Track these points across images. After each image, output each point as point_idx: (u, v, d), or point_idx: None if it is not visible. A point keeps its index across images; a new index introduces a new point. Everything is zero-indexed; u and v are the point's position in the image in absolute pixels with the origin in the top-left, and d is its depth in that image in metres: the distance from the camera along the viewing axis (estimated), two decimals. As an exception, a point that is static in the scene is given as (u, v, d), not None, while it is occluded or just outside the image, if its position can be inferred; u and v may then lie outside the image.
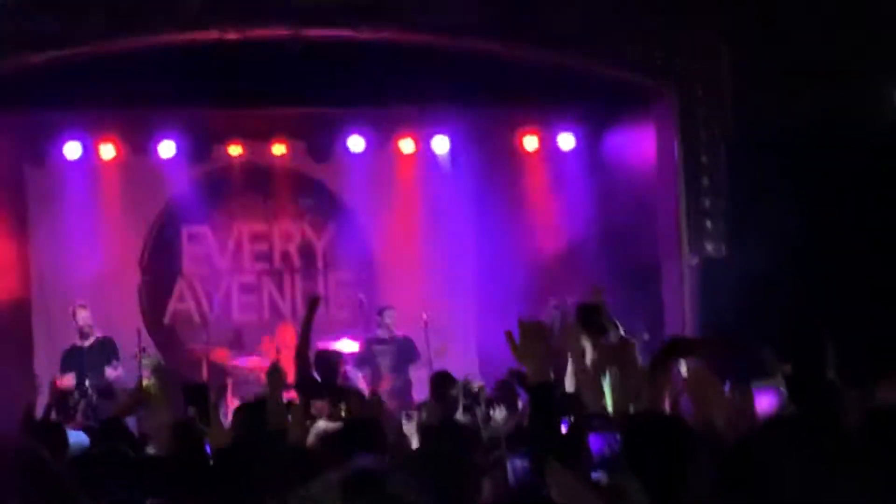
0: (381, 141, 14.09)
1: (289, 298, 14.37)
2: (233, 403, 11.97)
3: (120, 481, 5.08)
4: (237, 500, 4.82)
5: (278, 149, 14.01)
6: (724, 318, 11.07)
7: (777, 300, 10.99)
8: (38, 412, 8.49)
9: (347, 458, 3.96)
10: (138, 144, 13.82)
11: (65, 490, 3.19)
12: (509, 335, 4.41)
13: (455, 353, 13.09)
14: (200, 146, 13.92)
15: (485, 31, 11.77)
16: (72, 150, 13.63)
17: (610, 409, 7.17)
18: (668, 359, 5.10)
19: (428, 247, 14.34)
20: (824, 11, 11.50)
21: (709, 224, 12.02)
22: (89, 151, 13.71)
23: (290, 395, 9.35)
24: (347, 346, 12.64)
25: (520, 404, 8.13)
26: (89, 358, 12.38)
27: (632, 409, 5.31)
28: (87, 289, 13.32)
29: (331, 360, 9.89)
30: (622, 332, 8.20)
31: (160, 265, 14.26)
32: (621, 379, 6.66)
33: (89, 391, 11.98)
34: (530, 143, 14.13)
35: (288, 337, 12.57)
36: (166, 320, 14.22)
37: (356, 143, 13.94)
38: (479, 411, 8.24)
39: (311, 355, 9.26)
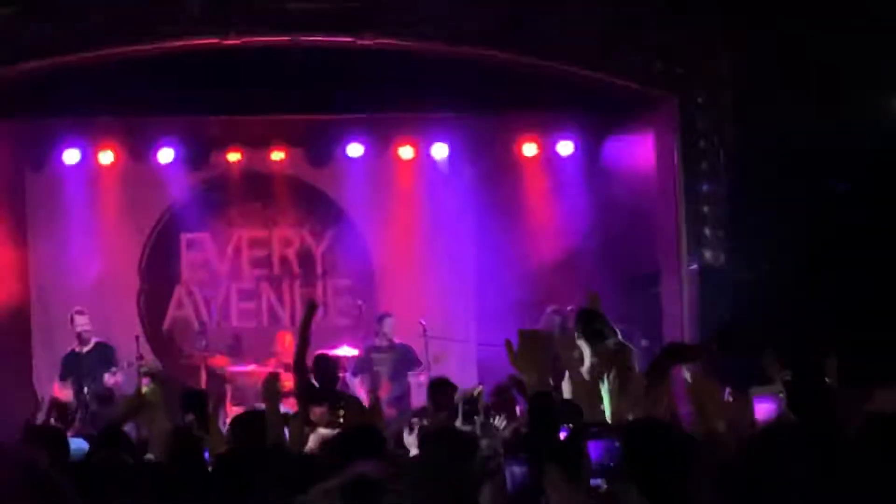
0: (381, 147, 14.09)
1: (288, 305, 14.36)
2: (231, 410, 11.98)
3: (119, 488, 5.08)
4: (236, 506, 4.83)
5: (277, 155, 14.01)
6: (723, 325, 11.07)
7: (776, 307, 10.99)
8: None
9: (346, 465, 3.96)
10: (137, 151, 13.82)
11: (63, 497, 3.19)
12: (508, 344, 4.42)
13: (454, 360, 13.09)
14: (199, 153, 13.93)
15: (484, 39, 11.78)
16: (71, 156, 13.63)
17: (608, 415, 7.17)
18: (667, 365, 5.11)
19: (427, 253, 14.34)
20: (825, 20, 11.50)
21: (708, 231, 12.02)
22: (89, 158, 13.71)
23: (289, 402, 9.37)
24: (346, 353, 12.64)
25: (518, 411, 8.13)
26: (88, 364, 12.38)
27: (630, 416, 5.32)
28: (87, 295, 13.33)
29: (329, 366, 9.88)
30: (620, 339, 8.20)
31: (159, 271, 14.26)
32: (620, 385, 6.67)
33: (87, 398, 11.97)
34: (529, 149, 14.12)
35: (286, 343, 12.57)
36: (165, 327, 14.22)
37: (355, 150, 13.93)
38: (479, 418, 8.23)
39: (310, 361, 9.25)
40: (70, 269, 13.68)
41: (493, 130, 14.07)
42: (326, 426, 7.67)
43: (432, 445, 5.70)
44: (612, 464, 4.60)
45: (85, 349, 12.54)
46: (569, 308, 10.96)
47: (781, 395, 6.99)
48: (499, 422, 8.15)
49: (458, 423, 8.17)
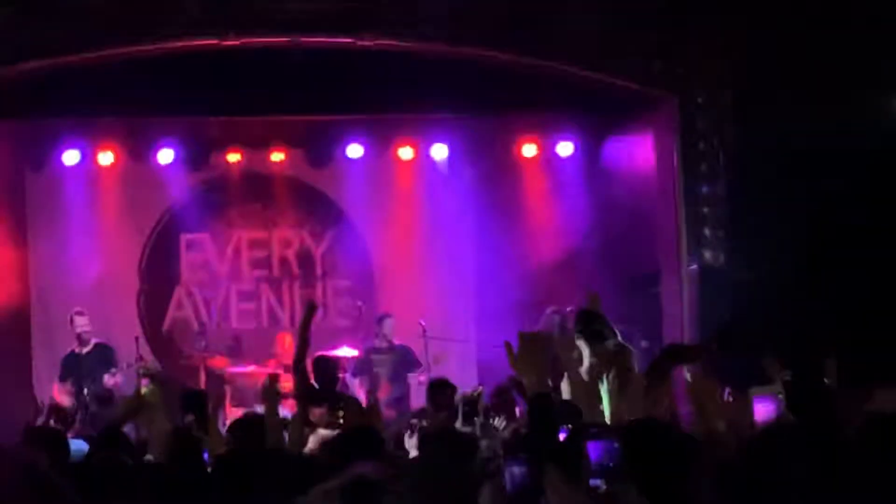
0: (380, 148, 14.08)
1: (287, 306, 14.36)
2: (231, 411, 11.98)
3: (118, 489, 5.08)
4: (235, 507, 4.82)
5: (277, 156, 14.01)
6: (723, 325, 11.07)
7: (776, 308, 10.99)
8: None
9: (346, 466, 3.96)
10: (137, 151, 13.82)
11: (63, 498, 3.19)
12: (508, 347, 4.42)
13: (454, 361, 13.09)
14: (199, 153, 13.92)
15: (484, 39, 11.78)
16: (71, 156, 13.63)
17: (608, 415, 7.17)
18: (667, 366, 5.11)
19: (427, 254, 14.34)
20: (825, 20, 11.50)
21: (707, 232, 12.02)
22: (88, 158, 13.71)
23: (289, 403, 9.37)
24: (346, 354, 12.63)
25: (518, 412, 8.13)
26: (87, 365, 12.38)
27: (630, 416, 5.31)
28: (86, 295, 13.33)
29: (329, 367, 9.88)
30: (620, 340, 8.20)
31: (159, 272, 14.25)
32: (619, 386, 6.66)
33: (87, 399, 11.97)
34: (529, 150, 14.11)
35: (286, 344, 12.57)
36: (165, 327, 14.22)
37: (355, 151, 13.93)
38: (479, 419, 8.23)
39: (309, 362, 9.24)
40: (70, 269, 13.68)
41: (492, 131, 14.07)
42: (326, 427, 7.67)
43: (432, 446, 5.70)
44: (611, 464, 4.60)
45: (85, 350, 12.55)
46: (568, 309, 10.96)
47: (781, 395, 6.99)
48: (498, 423, 8.16)
49: (458, 424, 8.17)
